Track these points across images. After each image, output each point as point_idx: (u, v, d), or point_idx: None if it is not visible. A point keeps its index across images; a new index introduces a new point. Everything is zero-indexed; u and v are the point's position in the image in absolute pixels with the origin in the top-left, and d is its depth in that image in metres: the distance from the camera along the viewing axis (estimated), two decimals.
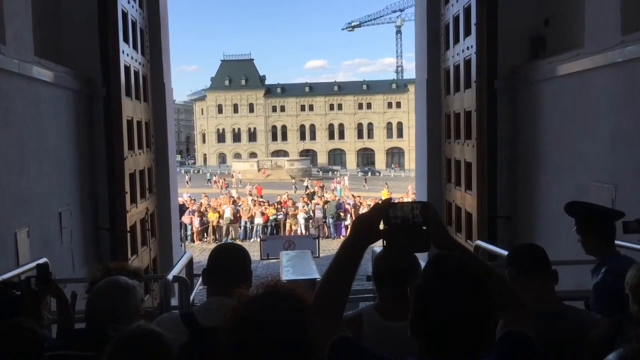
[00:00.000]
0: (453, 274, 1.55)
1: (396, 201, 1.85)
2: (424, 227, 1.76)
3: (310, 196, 29.45)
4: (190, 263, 5.71)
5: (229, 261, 2.60)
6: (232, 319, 1.72)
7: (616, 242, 3.78)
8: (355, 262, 1.80)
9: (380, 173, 77.68)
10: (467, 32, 8.59)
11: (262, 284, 1.83)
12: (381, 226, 1.79)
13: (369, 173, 75.84)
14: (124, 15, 8.50)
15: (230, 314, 1.74)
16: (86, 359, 2.49)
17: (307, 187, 42.47)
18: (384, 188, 38.70)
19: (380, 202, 1.83)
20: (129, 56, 8.68)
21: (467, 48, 8.61)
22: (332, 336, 1.67)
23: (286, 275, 6.76)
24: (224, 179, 55.86)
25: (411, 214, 1.76)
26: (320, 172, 74.27)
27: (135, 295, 2.72)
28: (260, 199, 28.34)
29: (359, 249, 1.80)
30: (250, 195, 30.48)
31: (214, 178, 59.20)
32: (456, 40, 9.20)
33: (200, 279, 2.60)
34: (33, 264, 5.40)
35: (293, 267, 7.40)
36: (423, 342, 1.57)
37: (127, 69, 8.57)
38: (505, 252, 5.82)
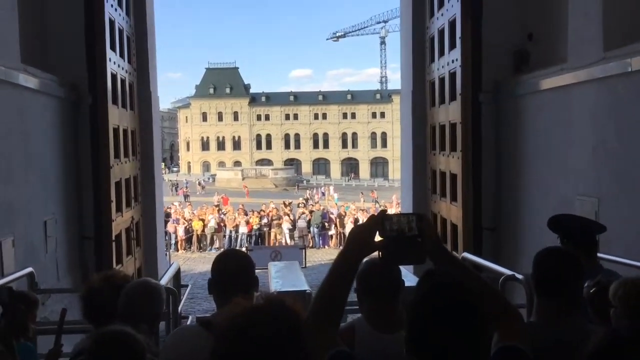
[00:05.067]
0: (446, 291, 1.57)
1: (391, 213, 1.88)
2: (419, 239, 1.78)
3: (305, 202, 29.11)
4: (177, 273, 5.69)
5: (237, 269, 2.58)
6: (225, 332, 1.71)
7: (599, 255, 3.86)
8: (351, 274, 1.82)
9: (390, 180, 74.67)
10: (452, 46, 8.71)
11: (260, 296, 1.84)
12: (377, 238, 1.81)
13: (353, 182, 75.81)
14: (111, 22, 8.48)
15: (225, 326, 1.74)
16: None
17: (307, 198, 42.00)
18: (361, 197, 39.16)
19: (375, 214, 1.85)
20: (115, 64, 8.65)
21: (452, 61, 8.72)
22: (328, 349, 1.68)
23: (275, 286, 6.76)
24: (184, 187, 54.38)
25: (407, 226, 1.77)
26: (305, 182, 74.06)
27: (163, 294, 2.96)
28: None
29: (354, 261, 1.82)
30: (217, 206, 28.98)
31: None
32: (441, 53, 9.31)
33: (208, 287, 2.62)
34: (18, 274, 5.36)
35: (282, 279, 7.39)
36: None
37: (113, 76, 8.54)
38: (490, 264, 5.90)
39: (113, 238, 8.22)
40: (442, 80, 9.34)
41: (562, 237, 3.62)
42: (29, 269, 5.46)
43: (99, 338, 2.30)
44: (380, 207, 26.93)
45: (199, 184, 60.35)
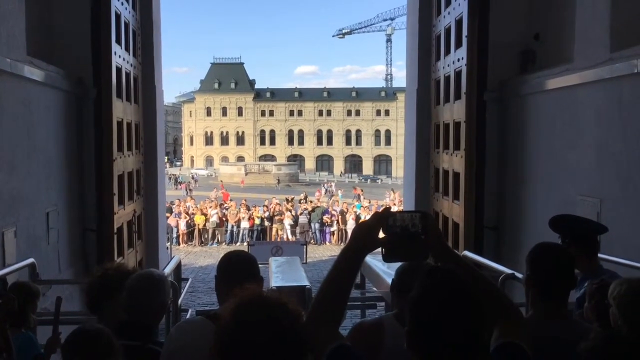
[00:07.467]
0: (447, 288, 1.57)
1: (395, 210, 1.89)
2: (423, 237, 1.80)
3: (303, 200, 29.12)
4: (178, 267, 5.70)
5: (243, 268, 2.68)
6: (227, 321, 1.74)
7: (600, 255, 3.85)
8: (354, 270, 1.84)
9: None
10: (458, 44, 8.68)
11: (249, 294, 1.86)
12: (380, 235, 1.82)
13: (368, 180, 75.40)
14: (117, 16, 8.48)
15: (227, 315, 1.78)
16: (133, 349, 2.61)
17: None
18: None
19: (380, 211, 1.87)
20: (120, 57, 8.65)
21: (458, 60, 8.70)
22: (330, 343, 1.68)
23: (275, 281, 6.79)
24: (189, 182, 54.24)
25: (410, 223, 1.80)
26: (308, 178, 74.04)
27: (167, 285, 2.97)
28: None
29: (358, 257, 1.84)
30: (216, 200, 28.38)
31: None
32: (447, 52, 9.29)
33: (214, 285, 2.75)
34: (19, 265, 5.39)
35: (282, 274, 7.43)
36: (419, 355, 1.59)
37: (118, 70, 8.54)
38: (490, 263, 5.91)
39: (115, 231, 8.24)
40: (447, 78, 9.32)
41: (563, 237, 3.62)
42: (31, 260, 5.48)
43: (71, 335, 2.40)
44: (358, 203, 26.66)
45: (192, 177, 60.21)
